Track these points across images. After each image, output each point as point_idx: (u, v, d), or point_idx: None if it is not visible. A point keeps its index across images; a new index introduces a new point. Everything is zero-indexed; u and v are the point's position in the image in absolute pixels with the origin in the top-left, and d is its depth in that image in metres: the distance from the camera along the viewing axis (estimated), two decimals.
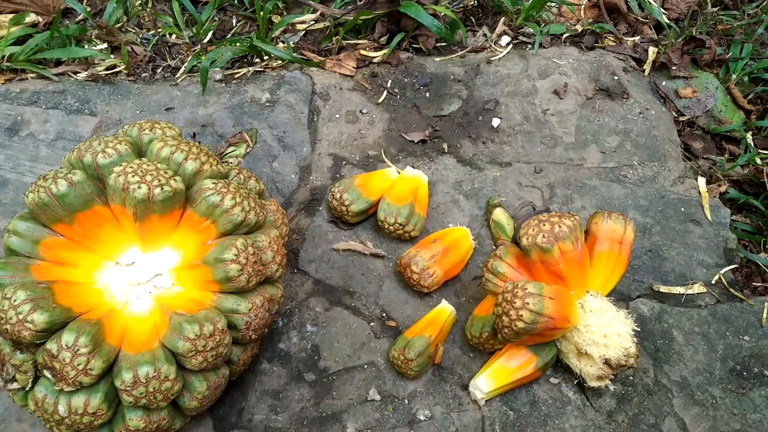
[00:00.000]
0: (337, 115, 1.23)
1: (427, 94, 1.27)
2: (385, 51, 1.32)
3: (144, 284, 0.78)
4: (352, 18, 1.31)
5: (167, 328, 0.73)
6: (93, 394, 0.70)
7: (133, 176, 0.72)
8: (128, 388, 0.69)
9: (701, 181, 1.18)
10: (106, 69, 1.29)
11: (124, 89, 1.24)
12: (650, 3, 1.45)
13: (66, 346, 0.67)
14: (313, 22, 1.39)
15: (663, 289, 1.05)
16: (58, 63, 1.30)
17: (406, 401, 0.93)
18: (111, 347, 0.71)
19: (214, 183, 0.78)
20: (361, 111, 1.24)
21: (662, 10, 1.45)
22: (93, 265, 0.79)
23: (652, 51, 1.38)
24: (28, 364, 0.71)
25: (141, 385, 0.69)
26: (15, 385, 0.72)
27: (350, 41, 1.36)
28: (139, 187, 0.72)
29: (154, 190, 0.72)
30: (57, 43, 1.29)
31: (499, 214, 1.08)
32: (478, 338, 0.94)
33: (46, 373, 0.69)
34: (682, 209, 1.14)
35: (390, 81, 1.29)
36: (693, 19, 1.46)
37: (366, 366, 0.96)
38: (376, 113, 1.24)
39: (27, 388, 0.72)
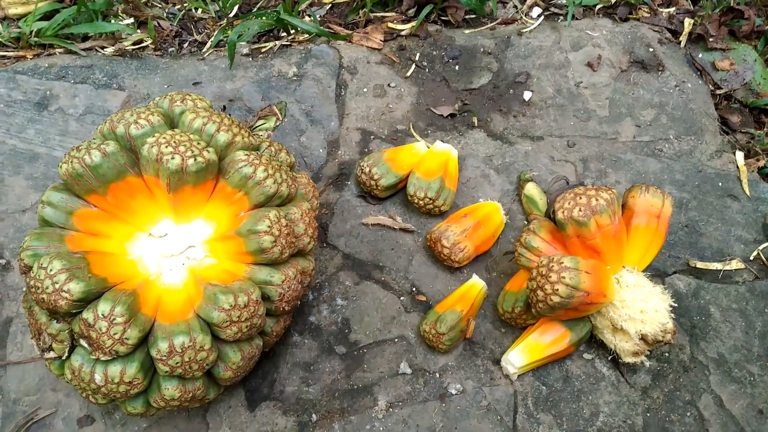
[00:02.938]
0: (365, 89, 1.22)
1: (457, 67, 1.25)
2: (413, 23, 1.29)
3: (177, 256, 0.78)
4: None
5: (202, 299, 0.72)
6: (129, 364, 0.70)
7: (167, 147, 0.72)
8: (164, 358, 0.69)
9: (739, 156, 1.15)
10: (133, 44, 1.28)
11: (151, 64, 1.24)
12: None
13: (102, 315, 0.67)
14: None
15: (700, 265, 1.03)
16: (85, 38, 1.30)
17: (437, 375, 0.93)
18: (146, 317, 0.71)
19: (246, 155, 0.77)
20: (389, 85, 1.22)
21: None
22: (126, 236, 0.79)
23: (688, 22, 1.33)
24: (64, 333, 0.71)
25: (177, 355, 0.69)
26: (52, 354, 0.73)
27: (377, 14, 1.33)
28: (172, 158, 0.71)
29: (187, 161, 0.72)
30: (84, 18, 1.28)
31: (531, 189, 1.06)
32: (510, 313, 0.93)
33: (83, 342, 0.69)
34: (720, 184, 1.11)
35: (418, 54, 1.27)
36: None
37: (396, 340, 0.96)
38: (405, 87, 1.22)
39: (63, 358, 0.72)
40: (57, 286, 0.67)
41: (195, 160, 0.72)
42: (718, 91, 1.26)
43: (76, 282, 0.67)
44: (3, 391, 0.90)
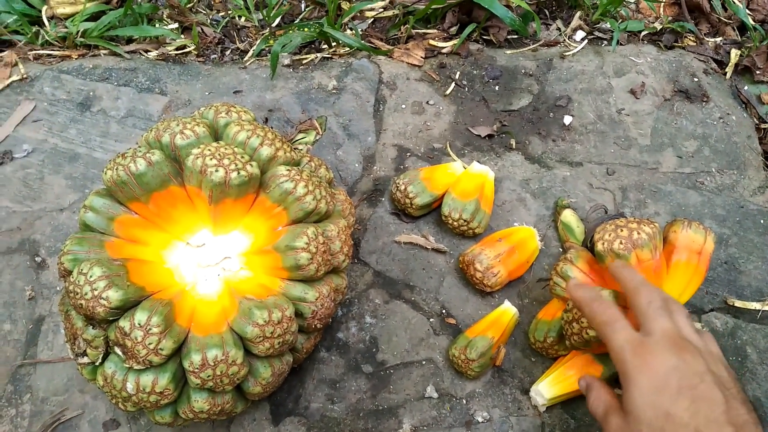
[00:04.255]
0: (403, 106, 1.21)
1: (497, 88, 1.24)
2: (455, 41, 1.29)
3: (213, 266, 0.78)
4: (423, 7, 1.29)
5: (237, 313, 0.72)
6: (161, 374, 0.70)
7: (211, 159, 0.72)
8: (196, 370, 0.69)
9: None
10: (177, 49, 1.29)
11: (193, 70, 1.25)
12: (735, 3, 1.38)
13: (139, 324, 0.67)
14: (382, 10, 1.37)
15: (738, 303, 1.00)
16: (129, 41, 1.31)
17: (464, 401, 0.91)
18: (181, 328, 0.71)
19: (287, 170, 0.77)
20: (427, 102, 1.22)
21: (747, 11, 1.38)
22: (163, 244, 0.80)
23: (734, 53, 1.31)
24: (99, 339, 0.71)
25: (209, 368, 0.69)
26: (85, 360, 0.73)
27: (419, 30, 1.33)
28: (216, 171, 0.71)
29: (230, 174, 0.72)
30: (129, 21, 1.30)
31: (568, 216, 1.05)
32: (542, 343, 0.91)
33: (117, 350, 0.70)
34: (762, 221, 1.08)
35: (458, 73, 1.26)
36: None
37: (424, 362, 0.95)
38: (443, 105, 1.22)
39: (97, 363, 0.73)
40: (96, 293, 0.67)
41: (238, 173, 0.72)
42: (762, 125, 1.23)
43: (114, 290, 0.68)
44: (32, 390, 0.91)
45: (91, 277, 0.68)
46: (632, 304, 0.75)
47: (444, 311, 0.99)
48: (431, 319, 0.98)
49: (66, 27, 1.30)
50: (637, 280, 0.75)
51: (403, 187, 1.04)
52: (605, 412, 0.71)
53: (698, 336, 0.71)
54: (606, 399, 0.72)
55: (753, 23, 1.36)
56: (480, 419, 0.90)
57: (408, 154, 1.16)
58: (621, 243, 0.82)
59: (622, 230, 0.83)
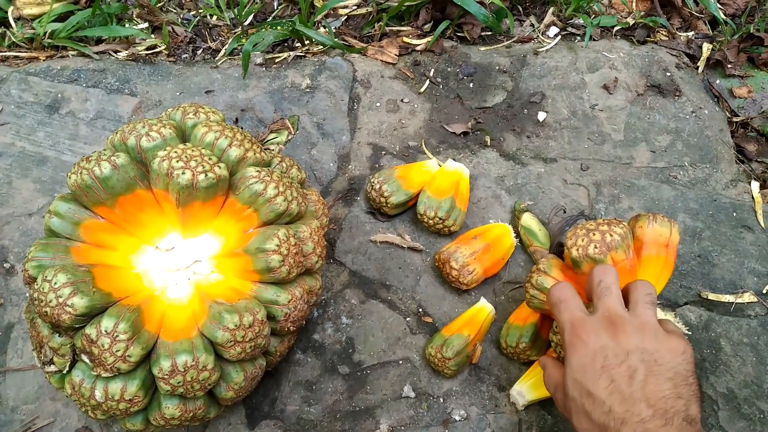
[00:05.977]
0: (378, 104, 1.21)
1: (471, 85, 1.24)
2: (428, 39, 1.28)
3: (183, 270, 0.77)
4: (396, 4, 1.28)
5: (206, 317, 0.71)
6: (130, 381, 0.69)
7: (178, 161, 0.71)
8: (166, 377, 0.68)
9: (754, 186, 1.13)
10: (147, 49, 1.27)
11: (164, 70, 1.23)
12: None
13: (105, 331, 0.66)
14: (355, 7, 1.36)
15: (711, 296, 1.01)
16: (99, 41, 1.29)
17: (441, 400, 0.91)
18: (150, 334, 0.70)
19: (257, 171, 0.76)
20: (402, 100, 1.21)
21: (718, 5, 1.39)
22: (132, 249, 0.78)
23: (706, 47, 1.32)
24: (66, 347, 0.70)
25: (179, 374, 0.68)
26: (52, 368, 0.72)
27: (393, 27, 1.32)
28: (183, 173, 0.70)
29: (198, 177, 0.71)
30: (98, 21, 1.28)
31: (529, 220, 1.04)
32: (515, 348, 0.90)
33: (84, 357, 0.68)
34: (734, 214, 1.09)
35: (433, 70, 1.25)
36: (751, 16, 1.40)
37: (401, 362, 0.94)
38: (418, 103, 1.21)
39: (64, 372, 0.71)
40: (61, 300, 0.66)
41: (206, 175, 0.71)
42: (734, 119, 1.24)
43: (80, 296, 0.66)
44: (1, 398, 0.89)
45: (55, 284, 0.67)
46: (587, 285, 0.77)
47: (420, 310, 0.99)
48: (408, 318, 0.98)
49: (33, 28, 1.27)
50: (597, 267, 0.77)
51: (378, 186, 1.04)
52: (554, 389, 0.74)
53: (645, 311, 0.70)
54: (554, 376, 0.74)
55: (724, 17, 1.37)
56: (457, 417, 0.90)
57: (383, 152, 1.15)
58: (596, 247, 0.81)
59: (594, 234, 0.82)
